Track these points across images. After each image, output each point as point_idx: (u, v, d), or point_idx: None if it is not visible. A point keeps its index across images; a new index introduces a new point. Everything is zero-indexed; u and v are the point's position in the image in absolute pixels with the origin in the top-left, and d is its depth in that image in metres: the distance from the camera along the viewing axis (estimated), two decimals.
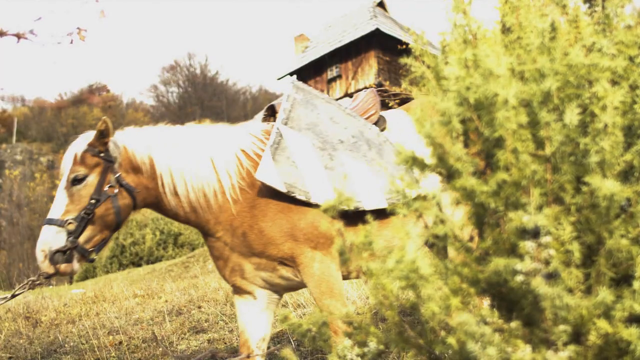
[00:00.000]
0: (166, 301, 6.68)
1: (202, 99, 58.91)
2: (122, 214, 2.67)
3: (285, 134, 2.70)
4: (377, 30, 22.28)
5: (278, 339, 4.16)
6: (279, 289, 2.87)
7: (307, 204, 2.62)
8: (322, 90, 24.31)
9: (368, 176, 2.70)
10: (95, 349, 4.48)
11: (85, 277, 17.95)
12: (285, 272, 2.72)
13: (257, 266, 2.73)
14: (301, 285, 2.79)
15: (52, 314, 6.54)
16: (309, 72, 24.97)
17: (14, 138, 48.95)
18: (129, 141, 2.74)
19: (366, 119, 2.99)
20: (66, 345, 4.86)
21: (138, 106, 62.44)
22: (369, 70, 22.82)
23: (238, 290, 2.88)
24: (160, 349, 4.30)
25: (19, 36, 1.38)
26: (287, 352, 1.21)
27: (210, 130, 2.88)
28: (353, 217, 2.66)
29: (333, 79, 24.03)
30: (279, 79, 26.64)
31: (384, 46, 22.79)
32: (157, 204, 2.78)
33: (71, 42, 1.78)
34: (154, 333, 4.83)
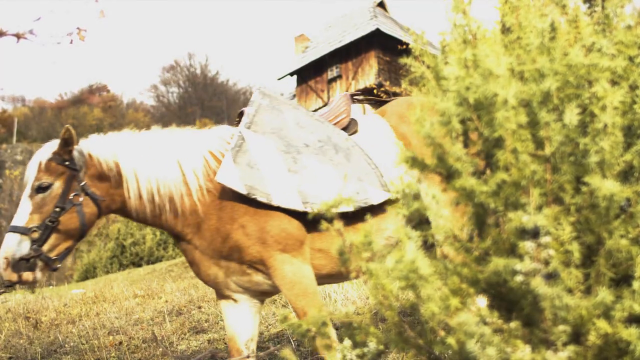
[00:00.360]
0: (166, 301, 6.68)
1: (202, 99, 58.92)
2: (87, 223, 2.64)
3: (247, 137, 2.69)
4: (378, 30, 22.28)
5: (278, 339, 4.16)
6: (254, 294, 2.84)
7: (275, 207, 2.60)
8: (322, 91, 24.33)
9: (334, 180, 2.69)
10: (96, 349, 4.49)
11: (85, 277, 17.95)
12: (256, 275, 2.69)
13: (227, 270, 2.71)
14: (276, 289, 2.77)
15: (52, 314, 6.54)
16: (309, 72, 24.97)
17: (14, 138, 48.95)
18: (94, 148, 2.71)
19: (336, 123, 2.97)
20: (66, 345, 4.86)
21: (138, 106, 62.47)
22: (369, 70, 22.82)
23: (220, 295, 2.86)
24: (160, 349, 4.30)
25: (18, 36, 1.38)
26: (287, 352, 1.21)
27: (178, 133, 2.85)
28: (317, 221, 2.66)
29: (333, 79, 24.03)
30: (279, 79, 26.64)
31: (384, 46, 22.79)
32: (123, 209, 2.74)
33: (71, 42, 1.78)
34: (153, 333, 4.83)
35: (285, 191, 2.60)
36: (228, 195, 2.65)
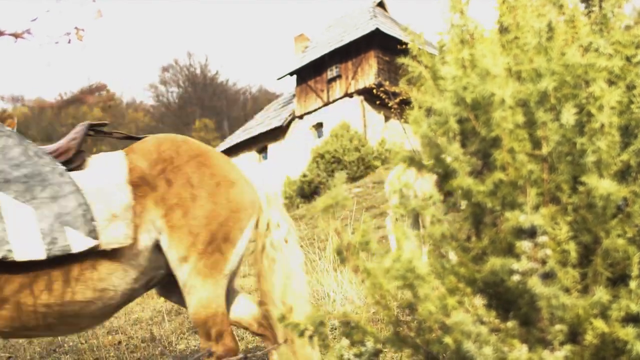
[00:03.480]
0: (165, 301, 6.68)
1: (202, 99, 58.88)
2: None
3: None
4: (377, 30, 22.28)
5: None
6: None
7: None
8: (322, 91, 24.31)
9: (30, 222, 2.34)
10: (95, 348, 4.49)
11: None
12: None
13: None
14: None
15: None
16: (308, 72, 24.97)
17: None
18: None
19: (59, 155, 2.57)
20: (65, 345, 4.86)
21: (138, 106, 62.42)
22: (369, 70, 22.83)
23: None
24: (159, 348, 4.30)
25: (16, 36, 1.39)
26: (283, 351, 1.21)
27: None
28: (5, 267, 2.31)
29: (333, 79, 24.03)
30: (278, 78, 26.65)
31: (384, 46, 22.79)
32: None
33: (69, 42, 1.78)
34: (152, 333, 4.84)
35: None
36: None
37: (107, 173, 2.53)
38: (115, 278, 2.44)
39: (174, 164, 2.56)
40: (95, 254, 2.38)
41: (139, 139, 2.81)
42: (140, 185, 2.50)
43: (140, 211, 2.45)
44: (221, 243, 2.47)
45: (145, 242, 2.46)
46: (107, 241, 2.36)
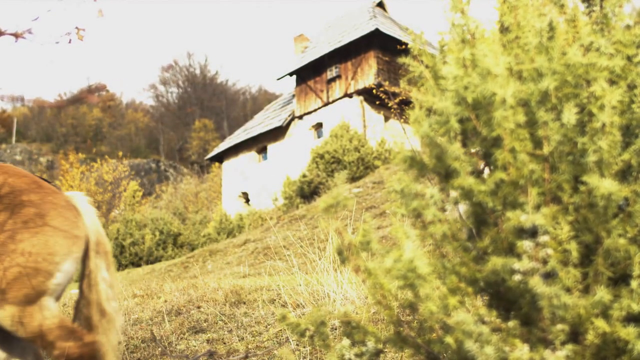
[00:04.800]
0: (165, 301, 6.67)
1: (201, 99, 58.85)
2: None
3: None
4: (377, 30, 22.28)
5: (277, 339, 4.16)
6: None
7: None
8: (321, 91, 24.30)
9: None
10: None
11: None
12: None
13: None
14: None
15: None
16: (308, 72, 24.96)
17: (14, 138, 48.91)
18: None
19: None
20: None
21: (138, 106, 62.39)
22: (369, 70, 22.82)
23: None
24: (160, 349, 4.30)
25: (17, 35, 1.38)
26: (285, 351, 1.21)
27: None
28: None
29: (332, 79, 24.02)
30: (278, 79, 26.63)
31: (383, 46, 22.79)
32: None
33: (69, 42, 1.78)
34: (152, 333, 4.83)
35: None
36: None
37: None
38: None
39: None
40: None
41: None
42: None
43: None
44: (32, 278, 2.39)
45: None
46: None
